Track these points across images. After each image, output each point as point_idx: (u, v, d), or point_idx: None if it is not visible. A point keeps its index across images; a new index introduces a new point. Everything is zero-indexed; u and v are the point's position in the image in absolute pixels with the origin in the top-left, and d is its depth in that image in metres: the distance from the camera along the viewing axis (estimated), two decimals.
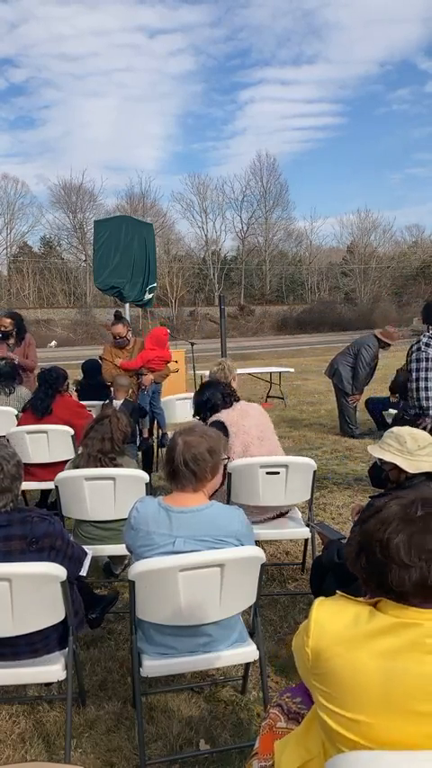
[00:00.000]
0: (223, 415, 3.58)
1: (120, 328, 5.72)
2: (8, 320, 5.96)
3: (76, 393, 5.43)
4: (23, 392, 5.28)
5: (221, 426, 3.48)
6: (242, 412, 3.61)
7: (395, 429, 2.67)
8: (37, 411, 4.50)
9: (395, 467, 2.57)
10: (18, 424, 4.62)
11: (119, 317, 6.09)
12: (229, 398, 3.69)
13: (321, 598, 1.40)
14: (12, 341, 5.97)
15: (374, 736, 1.21)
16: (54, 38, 65.93)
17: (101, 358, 5.91)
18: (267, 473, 3.34)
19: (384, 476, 2.67)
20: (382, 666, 1.22)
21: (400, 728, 1.20)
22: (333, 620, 1.32)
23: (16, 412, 4.98)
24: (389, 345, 7.37)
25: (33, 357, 6.12)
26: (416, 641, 1.22)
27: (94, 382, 5.88)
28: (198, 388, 3.86)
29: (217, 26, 68.26)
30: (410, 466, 2.52)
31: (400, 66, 69.44)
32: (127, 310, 7.86)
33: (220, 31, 69.45)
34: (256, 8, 65.31)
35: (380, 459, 2.64)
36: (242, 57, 72.47)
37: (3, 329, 5.93)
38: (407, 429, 2.66)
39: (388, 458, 2.56)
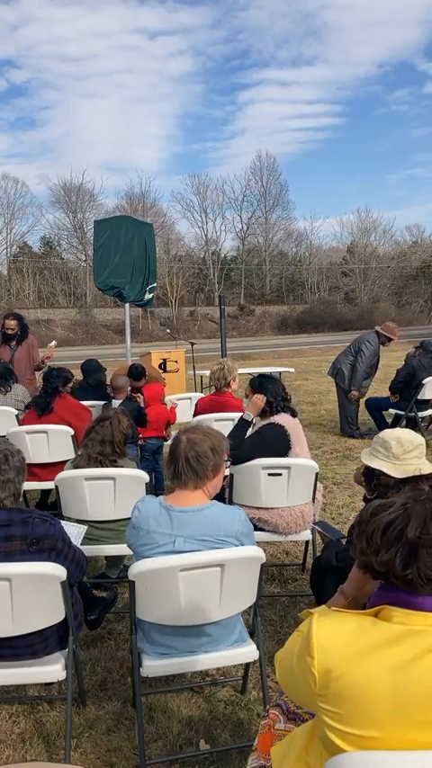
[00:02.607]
0: (284, 420, 3.51)
1: (142, 383, 5.64)
2: (14, 322, 6.06)
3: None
4: (20, 390, 5.30)
5: (282, 430, 3.45)
6: (298, 425, 3.59)
7: (382, 434, 2.60)
8: (38, 408, 4.56)
9: (383, 472, 2.52)
10: (21, 421, 4.71)
11: (139, 375, 5.58)
12: (288, 406, 3.63)
13: (316, 617, 1.34)
14: (13, 343, 6.03)
15: (385, 749, 1.18)
16: (54, 39, 65.63)
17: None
18: (269, 474, 3.34)
19: (375, 482, 2.62)
20: (394, 677, 1.18)
21: (412, 739, 1.17)
22: (336, 636, 1.27)
23: (16, 412, 4.99)
24: (390, 340, 7.37)
25: (38, 357, 6.25)
26: (427, 649, 1.20)
27: (93, 382, 5.87)
28: (258, 377, 3.71)
29: (216, 28, 68.12)
30: (397, 471, 2.46)
31: (398, 67, 69.15)
32: (127, 310, 7.86)
33: (219, 33, 69.21)
34: (255, 10, 65.09)
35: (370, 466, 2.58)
36: (242, 58, 72.22)
37: (10, 331, 6.02)
38: (394, 433, 2.59)
39: (375, 464, 2.51)
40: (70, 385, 4.89)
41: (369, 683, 1.20)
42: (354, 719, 1.20)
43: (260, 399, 3.56)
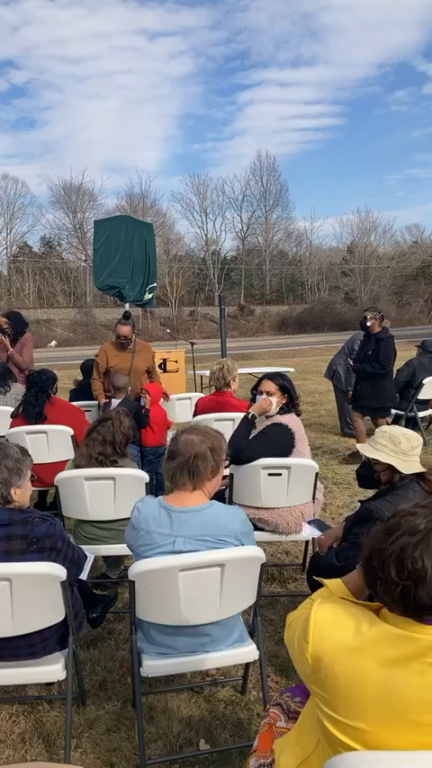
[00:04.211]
0: (288, 420, 3.50)
1: (128, 330, 5.63)
2: (3, 319, 6.01)
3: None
4: (20, 390, 5.26)
5: (287, 430, 3.44)
6: (301, 425, 3.58)
7: (387, 429, 2.63)
8: (30, 416, 4.34)
9: (388, 468, 2.54)
10: (10, 427, 4.48)
11: (128, 318, 5.92)
12: (296, 407, 3.63)
13: (320, 601, 1.36)
14: (7, 340, 5.97)
15: (373, 744, 1.21)
16: (55, 40, 65.80)
17: (96, 363, 5.78)
18: (269, 474, 3.33)
19: (377, 476, 2.64)
20: (383, 675, 1.20)
21: (398, 737, 1.20)
22: (334, 626, 1.30)
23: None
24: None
25: (27, 356, 6.09)
26: (419, 652, 1.21)
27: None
28: (279, 376, 3.66)
29: (216, 29, 68.30)
30: (405, 467, 2.51)
31: (397, 68, 69.45)
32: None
33: (219, 34, 69.51)
34: (254, 11, 65.27)
35: (373, 460, 2.60)
36: (241, 59, 72.22)
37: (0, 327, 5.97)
38: (399, 429, 2.63)
39: (383, 458, 2.53)
40: (56, 385, 4.63)
41: (355, 678, 1.22)
42: (341, 707, 1.24)
43: (267, 403, 3.54)
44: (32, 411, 4.34)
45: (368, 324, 6.24)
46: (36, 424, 4.33)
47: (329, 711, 1.26)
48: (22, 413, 4.41)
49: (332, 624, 1.31)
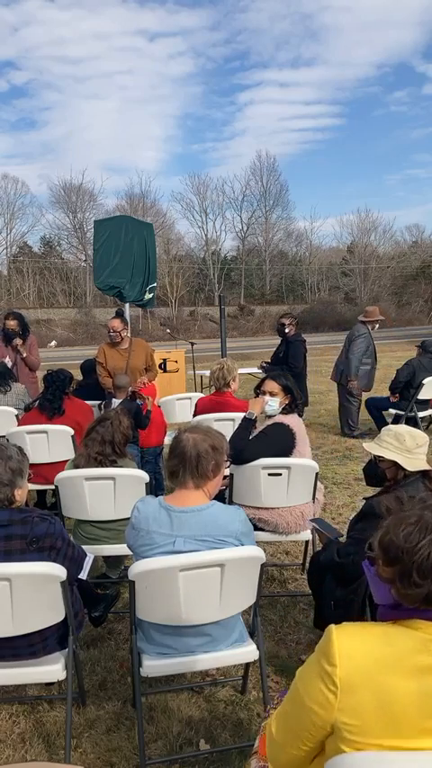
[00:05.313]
0: (290, 420, 3.49)
1: (116, 323, 5.68)
2: (14, 322, 6.08)
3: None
4: (20, 389, 5.28)
5: (288, 430, 3.43)
6: (302, 425, 3.58)
7: (393, 427, 2.68)
8: (47, 411, 4.50)
9: (393, 465, 2.58)
10: (22, 421, 4.64)
11: (119, 314, 6.10)
12: (298, 407, 3.62)
13: (333, 625, 1.28)
14: (19, 341, 6.03)
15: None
16: (55, 41, 65.72)
17: (96, 361, 5.86)
18: (269, 474, 3.33)
19: (381, 473, 2.67)
20: (419, 685, 1.17)
21: (424, 746, 1.16)
22: (361, 645, 1.23)
23: (16, 412, 4.97)
24: (377, 323, 7.42)
25: (37, 356, 6.25)
26: None
27: (92, 382, 5.87)
28: (282, 376, 3.66)
29: (216, 29, 68.00)
30: (410, 464, 2.54)
31: (397, 68, 69.18)
32: (127, 310, 7.85)
33: (219, 35, 69.23)
34: (254, 12, 65.05)
35: (378, 457, 2.64)
36: (241, 59, 71.91)
37: (11, 329, 6.03)
38: (405, 427, 2.67)
39: (388, 455, 2.57)
40: (73, 385, 4.88)
41: (392, 694, 1.17)
42: (374, 730, 1.18)
43: (263, 402, 3.54)
44: (50, 406, 4.52)
45: (286, 330, 6.74)
46: (54, 417, 4.50)
47: (358, 738, 1.18)
48: (37, 407, 4.59)
49: (359, 645, 1.23)
